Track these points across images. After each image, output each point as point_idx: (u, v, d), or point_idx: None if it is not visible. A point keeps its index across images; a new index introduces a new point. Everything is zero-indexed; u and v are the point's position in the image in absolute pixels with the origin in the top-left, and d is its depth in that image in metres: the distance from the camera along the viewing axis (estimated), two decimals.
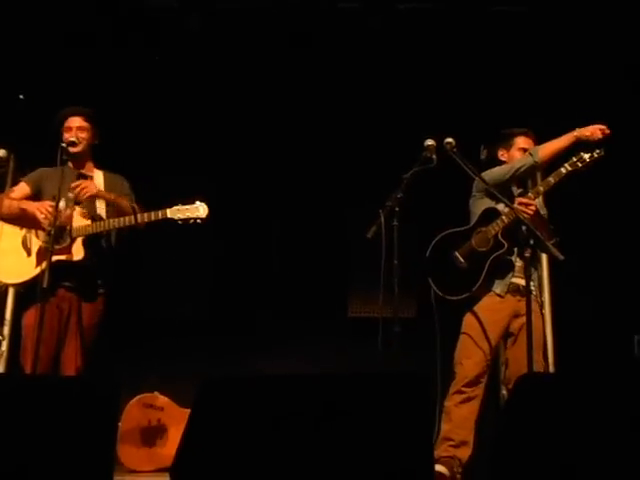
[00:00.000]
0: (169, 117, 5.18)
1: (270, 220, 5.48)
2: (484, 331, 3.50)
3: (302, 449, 2.06)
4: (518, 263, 3.54)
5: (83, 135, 3.73)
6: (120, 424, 4.24)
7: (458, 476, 3.37)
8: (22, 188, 3.76)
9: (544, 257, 5.06)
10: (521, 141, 3.74)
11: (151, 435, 4.35)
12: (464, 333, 3.56)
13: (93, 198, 3.62)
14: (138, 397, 4.44)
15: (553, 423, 2.07)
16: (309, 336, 5.17)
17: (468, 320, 3.56)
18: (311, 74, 5.02)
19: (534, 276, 3.56)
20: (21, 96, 5.11)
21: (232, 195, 5.14)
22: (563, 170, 3.49)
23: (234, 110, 5.18)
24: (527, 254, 3.30)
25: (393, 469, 2.02)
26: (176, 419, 4.31)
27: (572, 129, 3.54)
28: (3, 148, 3.71)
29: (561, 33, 4.76)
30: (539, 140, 3.74)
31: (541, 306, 3.57)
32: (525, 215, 3.39)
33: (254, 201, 5.41)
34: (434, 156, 3.32)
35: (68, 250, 3.54)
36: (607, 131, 3.49)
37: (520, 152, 3.71)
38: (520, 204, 3.48)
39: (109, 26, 4.84)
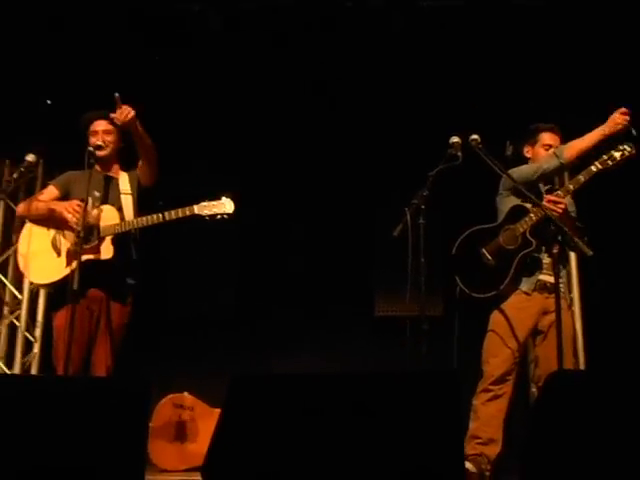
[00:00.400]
0: (194, 117, 5.21)
1: (296, 219, 5.49)
2: (511, 329, 3.47)
3: (332, 447, 2.07)
4: (546, 260, 3.51)
5: (109, 138, 3.77)
6: (151, 424, 4.29)
7: (487, 473, 3.35)
8: (51, 191, 3.81)
9: (573, 254, 5.04)
10: (547, 137, 3.69)
11: (181, 434, 4.39)
12: (491, 331, 3.53)
13: (131, 123, 3.59)
14: (168, 397, 4.48)
15: (584, 421, 2.05)
16: (336, 335, 5.18)
17: (495, 318, 3.53)
18: (338, 72, 5.02)
19: (562, 273, 3.52)
20: (48, 101, 5.19)
21: (259, 194, 5.16)
22: (594, 168, 3.43)
23: (261, 108, 5.18)
24: (555, 251, 3.26)
25: (423, 467, 2.02)
26: (206, 418, 4.34)
27: (597, 124, 3.49)
28: (32, 153, 3.76)
29: (582, 25, 4.69)
30: (565, 136, 3.70)
31: (570, 303, 3.52)
32: (554, 213, 3.36)
33: (281, 200, 5.42)
34: (459, 153, 3.29)
35: (97, 249, 3.57)
36: (627, 116, 3.43)
37: (545, 149, 3.66)
38: (549, 202, 3.44)
39: (134, 29, 4.87)
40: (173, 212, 3.58)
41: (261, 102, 5.17)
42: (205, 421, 4.34)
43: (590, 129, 3.53)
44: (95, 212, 3.60)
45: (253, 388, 2.29)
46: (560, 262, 3.45)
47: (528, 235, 3.48)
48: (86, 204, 3.45)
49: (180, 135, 5.14)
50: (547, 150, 3.65)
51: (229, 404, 2.24)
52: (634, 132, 3.41)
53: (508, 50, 4.83)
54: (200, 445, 4.26)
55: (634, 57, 4.70)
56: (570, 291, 5.04)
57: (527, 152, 3.73)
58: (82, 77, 4.94)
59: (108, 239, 3.59)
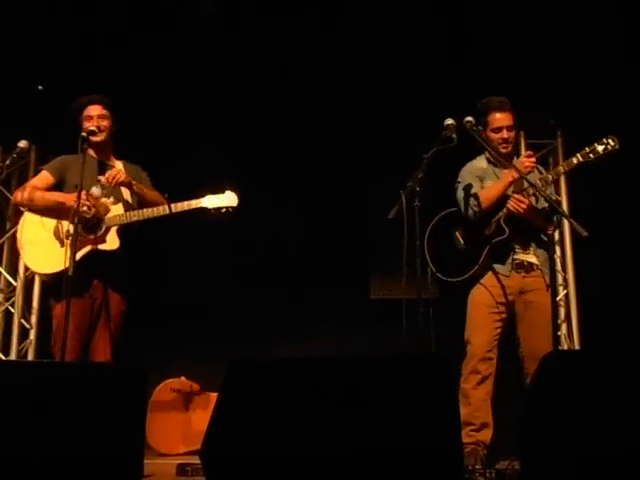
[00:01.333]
0: (187, 97, 5.16)
1: (292, 202, 5.48)
2: (490, 307, 3.49)
3: (328, 429, 2.08)
4: (518, 244, 3.53)
5: (104, 123, 3.74)
6: (149, 409, 4.30)
7: (484, 459, 3.37)
8: (45, 177, 3.75)
9: (567, 236, 5.06)
10: (497, 119, 3.56)
11: (179, 419, 4.41)
12: (471, 311, 3.55)
13: (125, 186, 3.63)
14: (165, 382, 4.50)
15: (580, 400, 2.06)
16: (332, 318, 5.18)
17: (474, 298, 3.55)
18: (333, 55, 4.98)
19: (539, 252, 3.54)
20: (40, 86, 5.14)
21: (252, 175, 5.15)
22: (574, 160, 3.43)
23: (255, 89, 5.14)
24: (550, 231, 3.28)
25: (419, 450, 2.03)
26: (203, 402, 4.37)
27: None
28: (24, 139, 3.73)
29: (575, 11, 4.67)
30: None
31: (548, 284, 3.53)
32: (518, 210, 3.41)
33: (276, 184, 5.40)
34: (454, 135, 3.29)
35: (103, 239, 3.56)
36: (533, 158, 3.49)
37: (495, 133, 3.55)
38: (514, 200, 3.45)
39: (126, 14, 4.82)
40: (179, 205, 3.60)
41: (254, 85, 5.14)
42: (202, 405, 4.36)
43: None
44: (104, 200, 3.59)
45: (250, 372, 2.30)
46: (537, 242, 3.52)
47: (502, 222, 3.48)
48: (80, 191, 3.42)
49: (173, 115, 5.12)
50: (497, 134, 3.54)
51: (227, 388, 2.25)
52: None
53: (504, 33, 4.81)
54: (198, 429, 4.28)
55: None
56: (565, 272, 5.09)
57: (483, 133, 3.58)
58: (73, 61, 4.89)
59: (113, 230, 3.58)
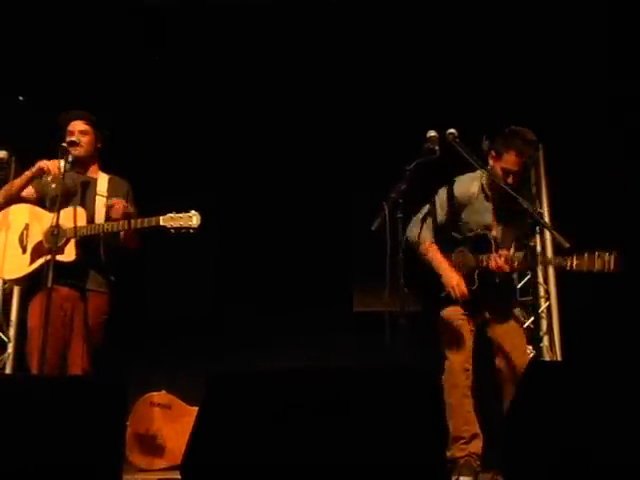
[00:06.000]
0: (167, 104, 5.15)
1: (274, 216, 5.46)
2: (462, 320, 3.50)
3: (309, 442, 2.06)
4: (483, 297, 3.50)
5: (84, 139, 3.75)
6: (128, 423, 4.24)
7: (478, 470, 3.36)
8: (27, 190, 3.73)
9: (549, 248, 5.08)
10: (510, 160, 3.42)
11: (160, 433, 4.35)
12: (444, 327, 3.54)
13: (126, 216, 3.61)
14: (145, 396, 4.45)
15: (563, 410, 2.06)
16: (315, 332, 5.16)
17: (446, 314, 3.54)
18: (318, 60, 4.98)
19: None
20: (21, 97, 5.11)
21: (234, 187, 5.13)
22: (567, 266, 3.25)
23: (236, 95, 5.13)
24: (532, 244, 3.29)
25: (404, 463, 2.01)
26: (184, 416, 4.31)
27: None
28: (4, 150, 3.71)
29: (563, 22, 4.72)
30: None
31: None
32: (495, 270, 3.36)
33: (258, 198, 5.39)
34: (437, 147, 3.28)
35: (61, 250, 3.53)
36: (504, 265, 3.35)
37: (502, 171, 3.43)
38: (495, 263, 3.36)
39: (107, 25, 4.81)
40: (139, 221, 3.56)
41: (238, 90, 5.13)
42: (183, 419, 4.31)
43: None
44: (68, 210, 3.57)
45: (230, 385, 2.27)
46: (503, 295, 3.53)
47: (476, 275, 3.46)
48: (58, 203, 3.40)
49: (155, 128, 5.11)
50: (502, 172, 3.42)
51: (207, 401, 2.22)
52: None
53: (488, 44, 4.85)
54: (178, 443, 4.23)
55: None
56: (547, 284, 5.11)
57: (490, 157, 3.51)
58: (55, 73, 4.87)
59: (72, 241, 3.56)
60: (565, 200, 4.80)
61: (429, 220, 3.55)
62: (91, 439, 2.22)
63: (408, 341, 3.10)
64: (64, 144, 3.58)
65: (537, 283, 5.07)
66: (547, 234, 4.84)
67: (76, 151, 3.68)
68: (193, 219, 3.54)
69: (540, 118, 4.78)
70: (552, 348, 4.87)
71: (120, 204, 3.62)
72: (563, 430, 2.03)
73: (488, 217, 3.54)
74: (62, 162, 3.51)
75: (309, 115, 5.22)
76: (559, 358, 4.75)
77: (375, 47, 4.90)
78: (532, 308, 5.03)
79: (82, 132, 3.75)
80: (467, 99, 4.86)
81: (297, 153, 5.31)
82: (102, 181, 3.78)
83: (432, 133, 3.33)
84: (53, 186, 3.56)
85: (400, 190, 3.20)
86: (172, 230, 3.54)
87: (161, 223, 3.54)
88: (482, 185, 3.57)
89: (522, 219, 3.52)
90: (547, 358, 4.79)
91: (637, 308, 4.60)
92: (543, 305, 5.03)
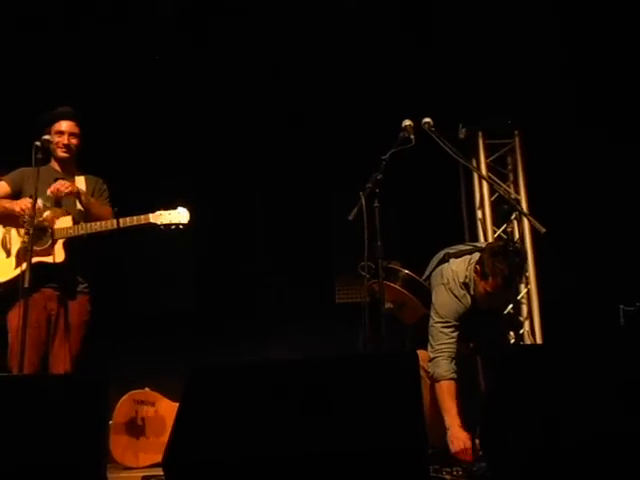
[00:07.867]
0: (144, 108, 5.12)
1: (254, 208, 5.46)
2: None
3: (292, 433, 2.06)
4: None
5: (74, 142, 3.69)
6: (112, 421, 4.23)
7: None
8: (2, 186, 3.69)
9: (527, 234, 5.12)
10: (494, 285, 3.28)
11: (144, 431, 4.33)
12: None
13: (72, 195, 3.57)
14: (129, 393, 4.42)
15: (542, 395, 2.08)
16: (299, 323, 5.17)
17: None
18: (295, 57, 4.98)
19: None
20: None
21: (215, 181, 5.11)
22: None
23: (218, 93, 5.12)
24: (510, 229, 3.31)
25: (384, 450, 2.02)
26: (168, 413, 4.29)
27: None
28: None
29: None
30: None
31: None
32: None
33: (238, 189, 5.38)
34: (412, 136, 3.29)
35: (49, 252, 3.51)
36: (470, 458, 3.12)
37: (484, 292, 3.34)
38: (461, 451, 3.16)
39: (80, 26, 4.76)
40: (128, 219, 3.55)
41: (221, 88, 5.11)
42: (167, 416, 4.29)
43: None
44: (48, 213, 3.52)
45: (211, 379, 2.27)
46: None
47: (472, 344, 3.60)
48: (35, 200, 3.36)
49: (131, 121, 5.06)
50: (486, 294, 3.35)
51: (188, 396, 2.21)
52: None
53: (461, 33, 4.86)
54: (163, 440, 4.21)
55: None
56: (526, 269, 5.15)
57: (475, 272, 3.38)
58: (31, 73, 4.82)
59: (60, 242, 3.53)
60: (542, 186, 4.84)
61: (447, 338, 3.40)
62: (74, 437, 2.21)
63: (388, 328, 3.12)
64: (37, 143, 3.40)
65: None
66: (524, 220, 4.89)
67: (66, 154, 3.65)
68: (182, 215, 3.58)
69: (516, 105, 4.84)
70: (533, 333, 4.92)
71: (61, 185, 3.50)
72: (544, 413, 2.05)
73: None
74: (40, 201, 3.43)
75: (293, 111, 5.21)
76: (540, 338, 4.81)
77: (350, 45, 4.89)
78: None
79: (72, 134, 3.68)
80: (443, 88, 4.88)
81: (277, 145, 5.31)
82: (80, 182, 3.72)
83: (407, 122, 3.33)
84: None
85: (376, 180, 3.20)
86: (162, 227, 3.56)
87: (151, 220, 3.55)
88: (473, 298, 3.45)
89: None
90: (528, 343, 4.84)
91: (617, 287, 4.65)
92: (523, 291, 5.08)
